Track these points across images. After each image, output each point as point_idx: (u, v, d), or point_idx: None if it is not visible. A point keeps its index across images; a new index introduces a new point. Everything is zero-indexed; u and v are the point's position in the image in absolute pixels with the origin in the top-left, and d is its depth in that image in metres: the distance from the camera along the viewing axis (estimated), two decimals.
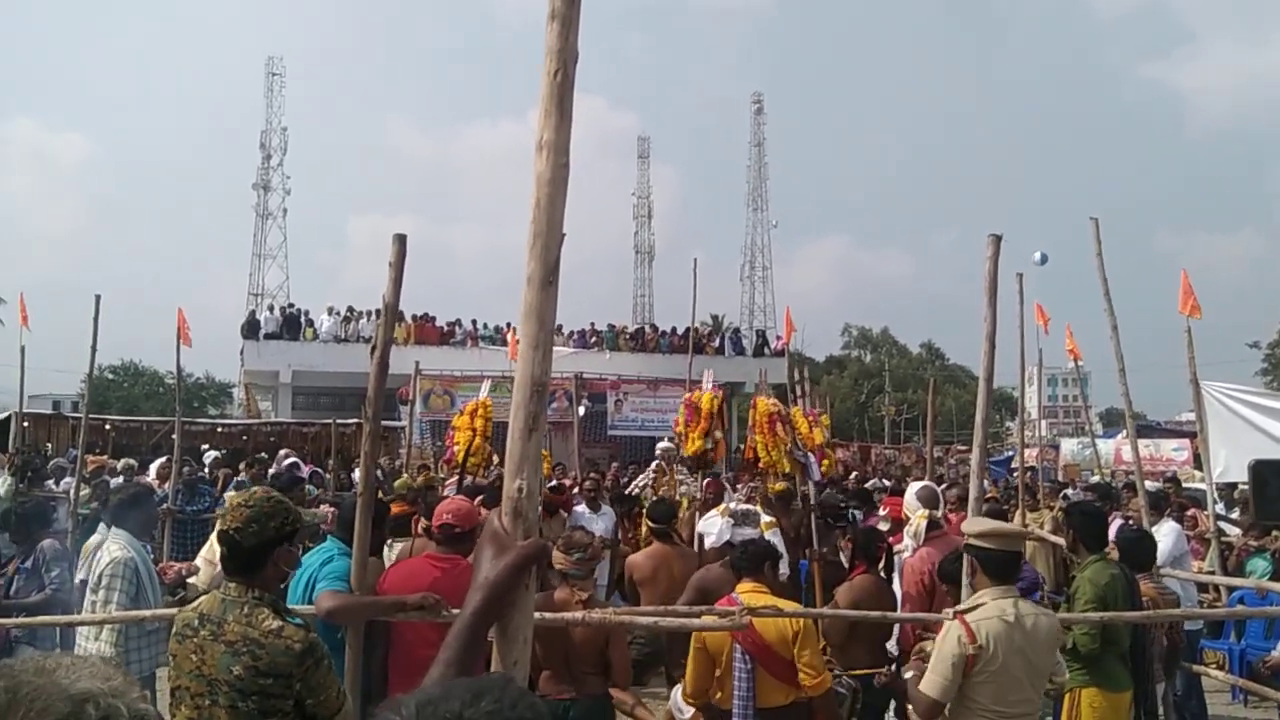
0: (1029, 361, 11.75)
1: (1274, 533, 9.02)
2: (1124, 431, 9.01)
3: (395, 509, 6.23)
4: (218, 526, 3.02)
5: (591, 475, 10.81)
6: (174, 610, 4.36)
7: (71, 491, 9.86)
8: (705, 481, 8.53)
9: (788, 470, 7.35)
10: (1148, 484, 12.16)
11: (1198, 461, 11.85)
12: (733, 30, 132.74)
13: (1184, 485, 14.64)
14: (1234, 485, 12.53)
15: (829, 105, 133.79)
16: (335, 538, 4.40)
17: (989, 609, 3.55)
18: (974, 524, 3.89)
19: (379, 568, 4.63)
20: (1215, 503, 9.91)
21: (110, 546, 5.12)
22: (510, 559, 1.40)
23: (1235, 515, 10.45)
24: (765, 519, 6.39)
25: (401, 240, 4.01)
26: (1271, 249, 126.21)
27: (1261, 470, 6.56)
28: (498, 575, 1.40)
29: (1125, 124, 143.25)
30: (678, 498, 9.14)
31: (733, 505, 6.34)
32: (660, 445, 10.34)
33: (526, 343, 1.48)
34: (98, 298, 9.98)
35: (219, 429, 25.39)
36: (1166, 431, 26.61)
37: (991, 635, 3.48)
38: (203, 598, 3.03)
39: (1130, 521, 8.03)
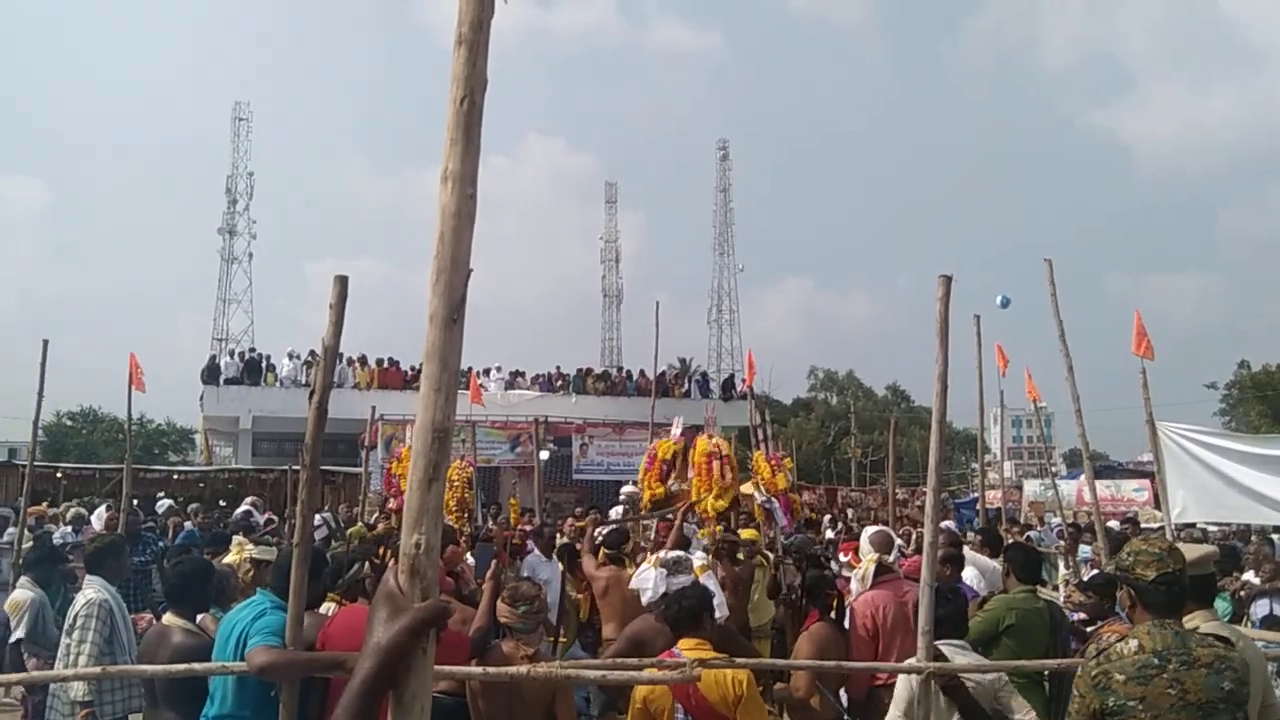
0: (990, 403, 11.79)
1: (1233, 573, 9.02)
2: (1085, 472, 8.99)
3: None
4: None
5: (546, 522, 10.60)
6: (146, 668, 4.21)
7: (15, 542, 9.56)
8: (657, 525, 8.28)
9: (716, 513, 7.25)
10: (1109, 524, 12.24)
11: (1158, 502, 11.89)
12: (691, 75, 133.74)
13: (1143, 526, 14.72)
14: (1192, 525, 12.61)
15: (787, 149, 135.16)
16: (267, 591, 4.21)
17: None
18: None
19: (319, 622, 4.44)
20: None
21: (86, 590, 5.44)
22: (405, 622, 1.29)
23: None
24: (698, 563, 6.17)
25: (343, 281, 3.90)
26: (1220, 290, 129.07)
27: None
28: (390, 639, 1.28)
29: (1075, 168, 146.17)
30: (642, 544, 9.00)
31: (662, 554, 6.13)
32: (624, 490, 10.17)
33: (428, 385, 1.37)
34: (45, 343, 9.78)
35: (175, 476, 24.91)
36: (1128, 472, 26.81)
37: None
38: None
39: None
